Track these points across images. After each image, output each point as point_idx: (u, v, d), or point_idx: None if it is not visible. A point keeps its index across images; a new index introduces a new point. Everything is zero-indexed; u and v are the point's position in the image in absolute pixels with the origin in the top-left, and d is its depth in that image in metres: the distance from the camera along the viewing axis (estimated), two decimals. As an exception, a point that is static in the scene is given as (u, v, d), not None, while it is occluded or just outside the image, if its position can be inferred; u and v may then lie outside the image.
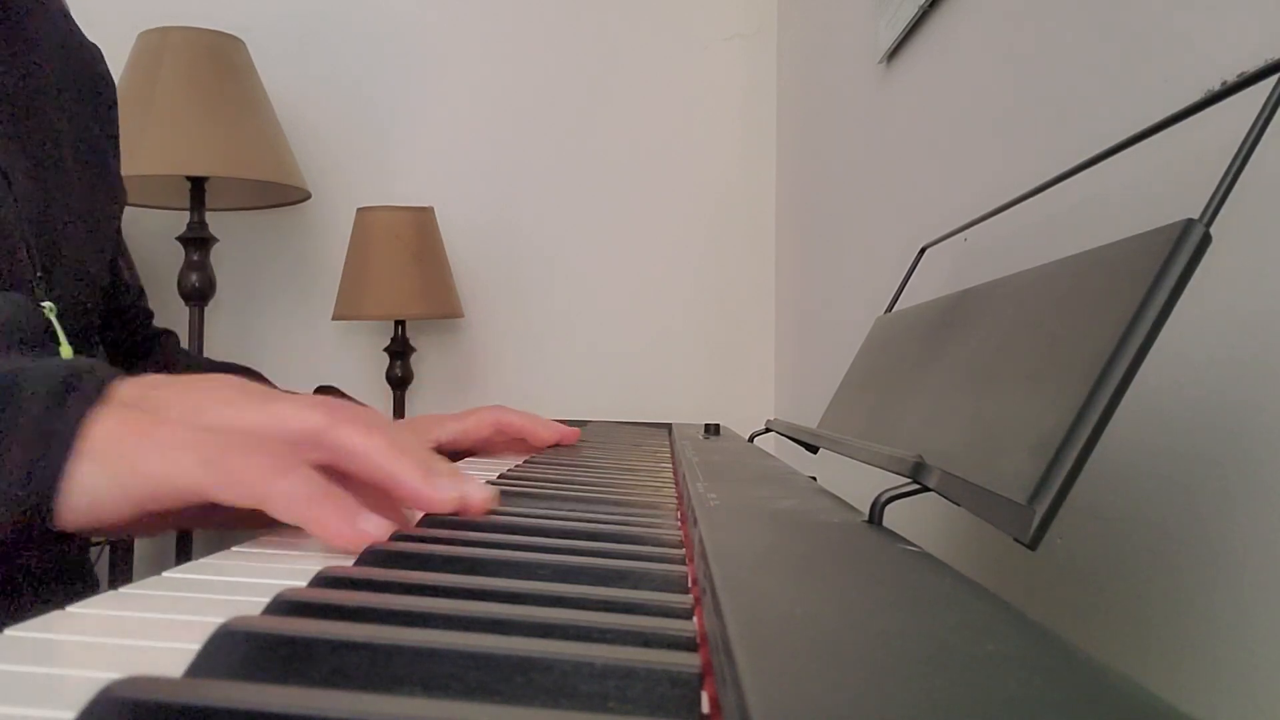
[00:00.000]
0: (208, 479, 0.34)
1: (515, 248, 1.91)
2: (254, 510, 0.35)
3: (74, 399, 0.35)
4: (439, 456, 0.40)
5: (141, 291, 0.80)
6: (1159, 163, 0.49)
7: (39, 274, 0.58)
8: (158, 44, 1.56)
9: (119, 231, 0.74)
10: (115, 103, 0.74)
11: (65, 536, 0.36)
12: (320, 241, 1.89)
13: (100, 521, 0.35)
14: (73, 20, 0.70)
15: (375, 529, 0.34)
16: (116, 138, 0.74)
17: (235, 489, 0.34)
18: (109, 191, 0.71)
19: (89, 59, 0.71)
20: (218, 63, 1.58)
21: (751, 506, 0.37)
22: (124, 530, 0.38)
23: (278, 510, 0.34)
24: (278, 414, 0.37)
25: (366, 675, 0.19)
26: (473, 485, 0.38)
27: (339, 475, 0.36)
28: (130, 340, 0.77)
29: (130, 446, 0.35)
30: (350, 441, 0.37)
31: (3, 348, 0.40)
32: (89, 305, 0.66)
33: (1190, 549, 0.46)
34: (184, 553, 1.61)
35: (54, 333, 0.44)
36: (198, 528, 0.42)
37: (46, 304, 0.57)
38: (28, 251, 0.57)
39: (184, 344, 0.88)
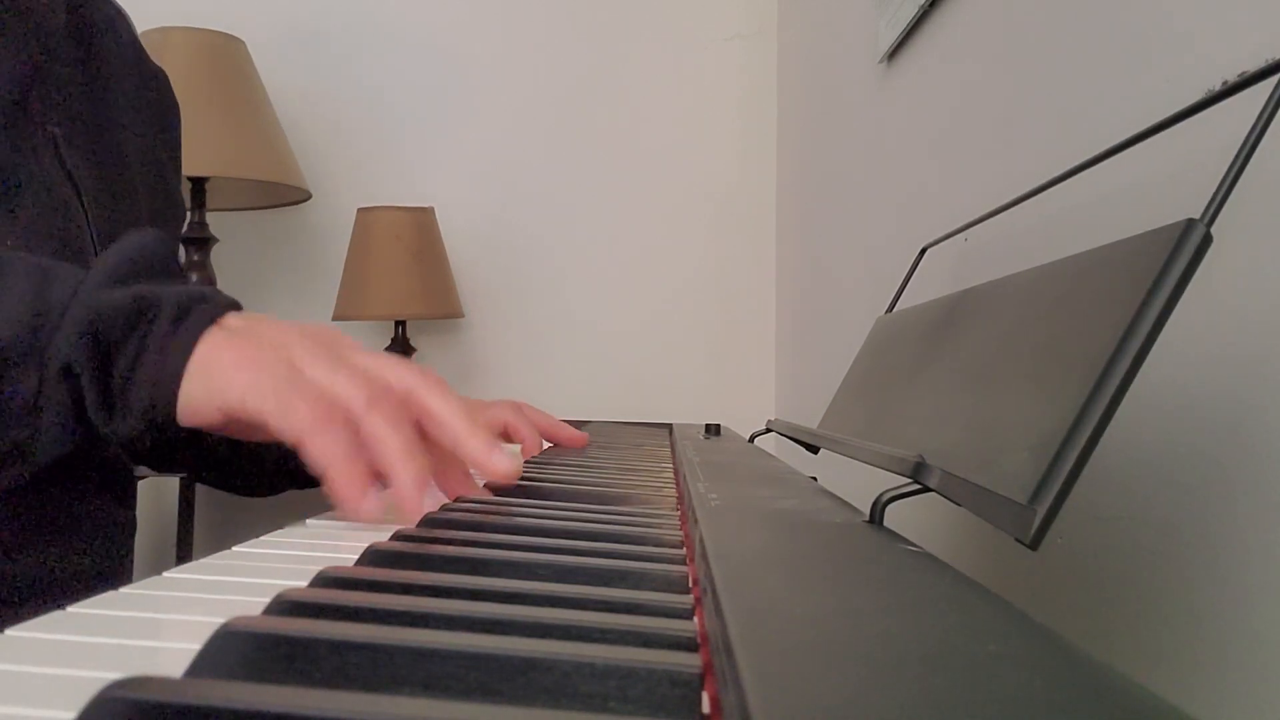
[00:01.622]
0: (271, 408, 0.41)
1: (515, 248, 1.91)
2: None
3: (191, 320, 0.44)
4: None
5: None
6: (1159, 163, 0.49)
7: None
8: (158, 44, 1.56)
9: (179, 245, 0.77)
10: (179, 124, 0.78)
11: (189, 432, 0.45)
12: (321, 241, 1.89)
13: (202, 421, 0.43)
14: (142, 47, 0.73)
15: (372, 508, 0.40)
16: (179, 157, 0.78)
17: (287, 424, 0.41)
18: (172, 211, 0.74)
19: (157, 84, 0.74)
20: (218, 63, 1.58)
21: (752, 507, 0.37)
22: (238, 431, 0.46)
23: (310, 455, 0.41)
24: (338, 380, 0.43)
25: (367, 675, 0.19)
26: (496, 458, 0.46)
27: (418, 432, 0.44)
28: None
29: (223, 366, 0.42)
30: (434, 405, 0.45)
31: (144, 272, 0.47)
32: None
33: (1191, 549, 0.46)
34: (184, 553, 1.61)
35: (179, 265, 0.52)
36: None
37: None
38: None
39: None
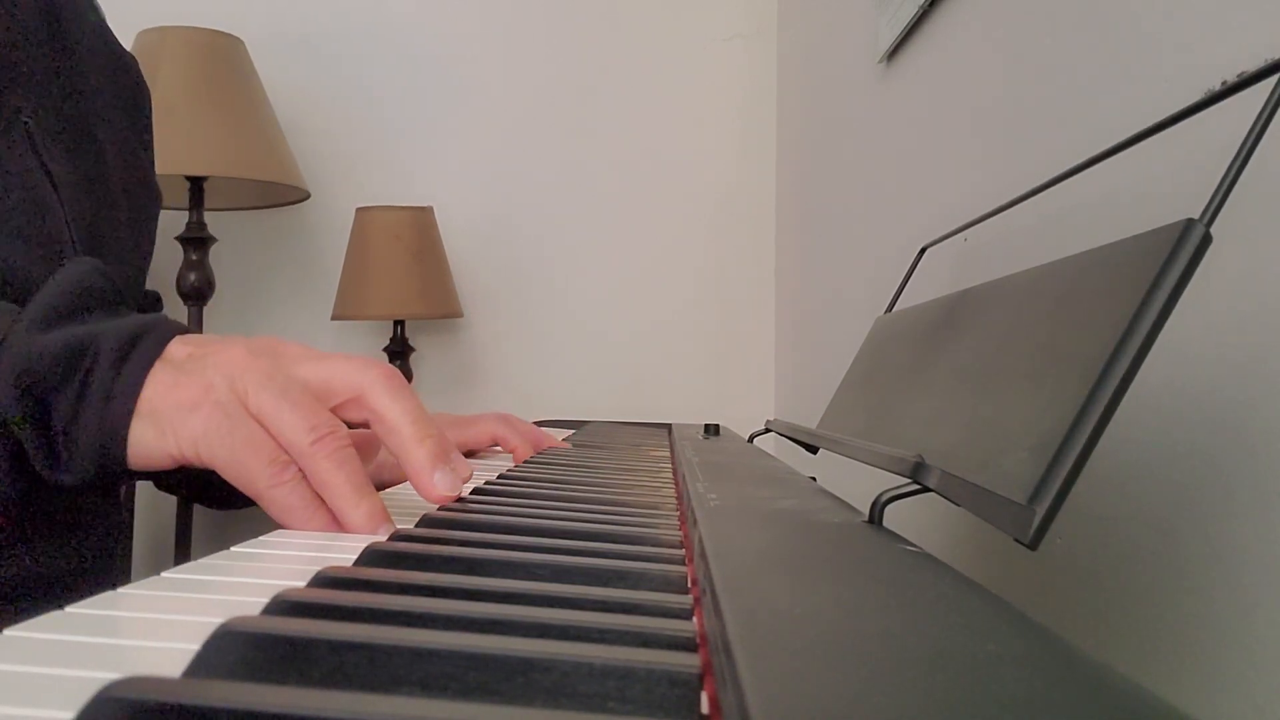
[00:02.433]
0: (221, 462, 0.40)
1: (515, 248, 1.91)
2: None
3: (134, 359, 0.42)
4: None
5: (159, 299, 0.82)
6: (1159, 163, 0.49)
7: None
8: (157, 44, 1.56)
9: (155, 234, 0.76)
10: (151, 111, 0.76)
11: (132, 474, 0.43)
12: (320, 241, 1.89)
13: (155, 466, 0.42)
14: (110, 31, 0.72)
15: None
16: (152, 144, 0.77)
17: (241, 480, 0.40)
18: (149, 198, 0.73)
19: (128, 69, 0.73)
20: (217, 63, 1.58)
21: (751, 507, 0.37)
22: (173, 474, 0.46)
23: (268, 510, 0.40)
24: (328, 368, 0.42)
25: (365, 675, 0.19)
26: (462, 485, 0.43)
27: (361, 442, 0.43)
28: None
29: (172, 409, 0.41)
30: (385, 408, 0.42)
31: (81, 309, 0.45)
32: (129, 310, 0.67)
33: (1191, 549, 0.46)
34: (184, 553, 1.61)
35: (121, 292, 0.50)
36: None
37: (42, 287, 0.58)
38: (75, 255, 0.58)
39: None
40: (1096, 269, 0.36)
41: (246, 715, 0.16)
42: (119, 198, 0.66)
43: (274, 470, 0.40)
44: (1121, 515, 0.51)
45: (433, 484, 0.41)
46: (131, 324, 0.43)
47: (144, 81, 0.76)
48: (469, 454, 0.76)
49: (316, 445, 0.40)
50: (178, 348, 0.43)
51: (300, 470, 0.40)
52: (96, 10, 0.71)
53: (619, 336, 1.90)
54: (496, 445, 0.76)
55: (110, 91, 0.69)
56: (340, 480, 0.40)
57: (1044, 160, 0.65)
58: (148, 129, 0.76)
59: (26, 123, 0.58)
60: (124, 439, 0.41)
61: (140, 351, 0.42)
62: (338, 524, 0.40)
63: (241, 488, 0.40)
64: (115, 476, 0.42)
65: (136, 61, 0.75)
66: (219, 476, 0.41)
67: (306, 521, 0.40)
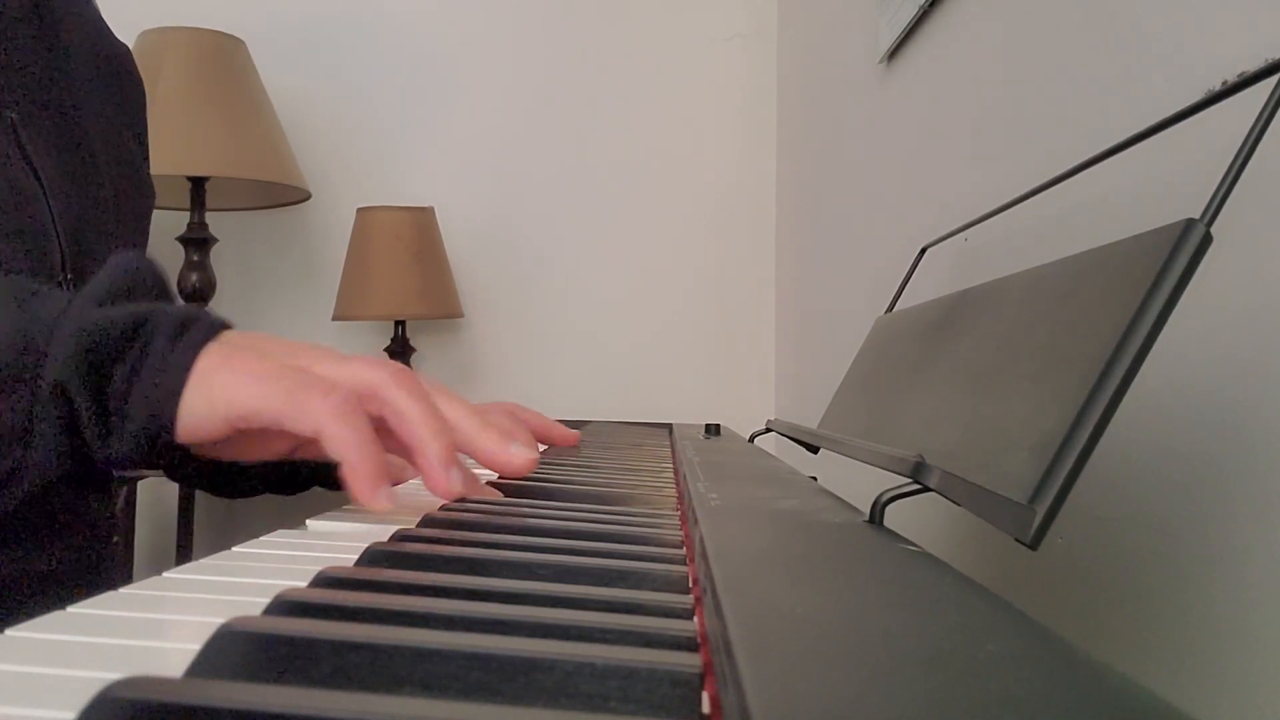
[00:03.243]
0: (285, 406, 0.40)
1: (515, 248, 1.91)
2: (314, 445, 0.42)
3: (189, 336, 0.43)
4: (485, 428, 0.47)
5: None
6: (1159, 163, 0.49)
7: (69, 275, 0.58)
8: (158, 44, 1.56)
9: (148, 231, 0.75)
10: (144, 103, 0.75)
11: (182, 449, 0.44)
12: (320, 242, 1.89)
13: (204, 435, 0.42)
14: (103, 22, 0.71)
15: (387, 501, 0.40)
16: (145, 137, 0.75)
17: (303, 420, 0.40)
18: (140, 192, 0.72)
19: (119, 60, 0.72)
20: (218, 63, 1.58)
21: (752, 506, 0.37)
22: (231, 450, 0.46)
23: (330, 445, 0.40)
24: (351, 367, 0.44)
25: (367, 676, 0.19)
26: (514, 451, 0.46)
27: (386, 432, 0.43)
28: None
29: (227, 375, 0.42)
30: (400, 403, 0.43)
31: (133, 293, 0.46)
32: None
33: (1191, 549, 0.46)
34: (185, 553, 1.61)
35: (167, 284, 0.51)
36: (276, 455, 0.49)
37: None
38: (60, 252, 0.58)
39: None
40: (1097, 269, 0.36)
41: (248, 715, 0.16)
42: (108, 193, 0.65)
43: (337, 401, 0.40)
44: (1122, 515, 0.51)
45: (446, 479, 0.42)
46: (188, 308, 0.44)
47: (137, 73, 0.74)
48: None
49: (397, 380, 0.42)
50: (230, 334, 0.45)
51: (365, 414, 0.41)
52: (92, 5, 0.70)
53: (620, 336, 1.90)
54: None
55: (100, 84, 0.67)
56: (419, 411, 0.42)
57: (1044, 160, 0.65)
58: (141, 123, 0.75)
59: (12, 118, 0.57)
60: (174, 408, 0.41)
61: (195, 331, 0.43)
62: (386, 479, 0.40)
63: (301, 429, 0.40)
64: (162, 450, 0.43)
65: (130, 53, 0.73)
66: (231, 464, 0.42)
67: (362, 461, 0.40)
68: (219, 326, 0.44)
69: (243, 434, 0.43)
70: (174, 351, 0.42)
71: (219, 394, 0.41)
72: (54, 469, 0.42)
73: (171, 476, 0.70)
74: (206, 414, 0.42)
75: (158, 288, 0.48)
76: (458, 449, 0.44)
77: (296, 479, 0.68)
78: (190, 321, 0.43)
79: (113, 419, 0.42)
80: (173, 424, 0.42)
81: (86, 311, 0.42)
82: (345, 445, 0.40)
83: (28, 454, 0.41)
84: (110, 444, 0.42)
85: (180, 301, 0.49)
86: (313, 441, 0.42)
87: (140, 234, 0.72)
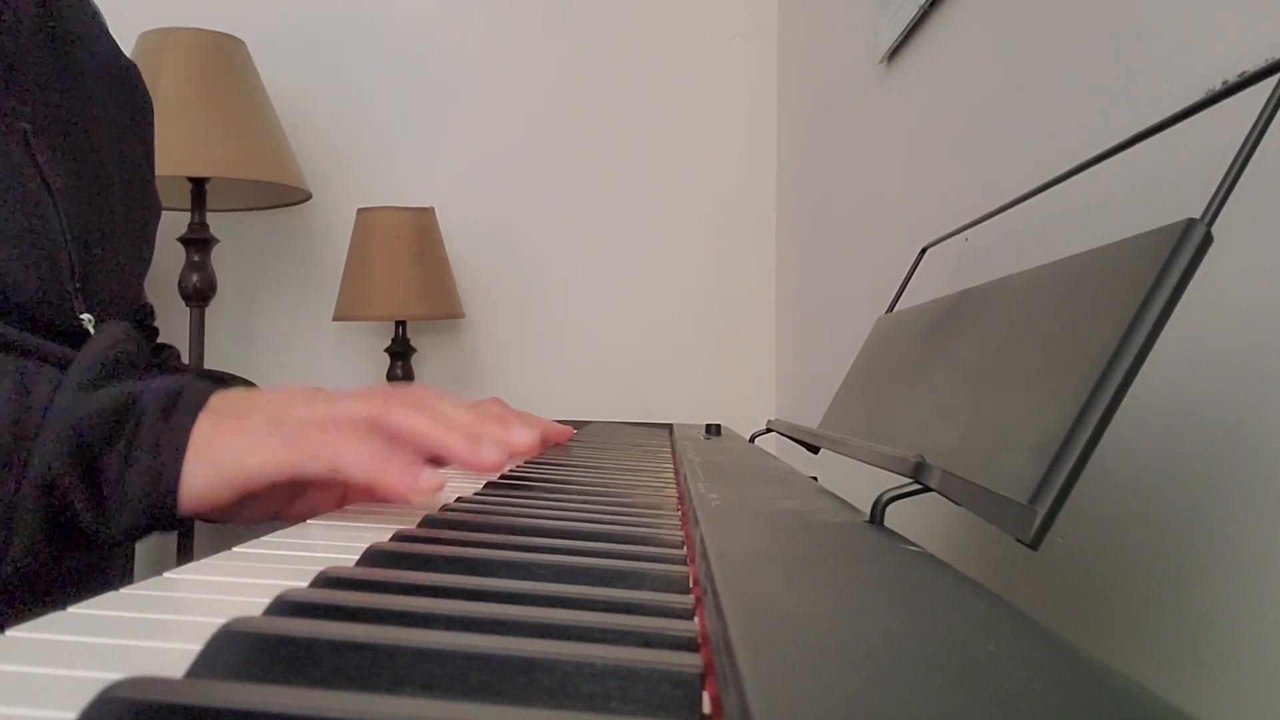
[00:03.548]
0: (292, 456, 0.41)
1: (516, 248, 1.91)
2: (341, 495, 0.45)
3: (179, 412, 0.43)
4: (488, 411, 0.49)
5: (153, 310, 0.82)
6: (1159, 163, 0.49)
7: (78, 286, 0.59)
8: (158, 45, 1.56)
9: (153, 243, 0.76)
10: (152, 118, 0.76)
11: (183, 521, 0.44)
12: (321, 242, 1.89)
13: (210, 505, 0.43)
14: (111, 38, 0.72)
15: (429, 485, 0.41)
16: (152, 151, 0.77)
17: (315, 460, 0.41)
18: (147, 204, 0.73)
19: (129, 77, 0.73)
20: (218, 63, 1.58)
21: (753, 507, 0.37)
22: (229, 515, 0.46)
23: (352, 471, 0.41)
24: (341, 407, 0.45)
25: (367, 676, 0.19)
26: (516, 433, 0.47)
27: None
28: None
29: (227, 442, 0.42)
30: (402, 423, 0.44)
31: (118, 371, 0.46)
32: (124, 319, 0.67)
33: (1192, 549, 0.46)
34: (184, 553, 1.61)
35: (149, 356, 0.52)
36: (281, 516, 0.50)
37: (85, 316, 0.58)
38: (70, 262, 0.58)
39: (184, 345, 0.90)
40: (1097, 269, 0.36)
41: (249, 715, 0.16)
42: (117, 205, 0.66)
43: (339, 433, 0.41)
44: (1122, 515, 0.51)
45: (480, 457, 0.44)
46: (170, 381, 0.45)
47: (144, 88, 0.75)
48: None
49: (390, 405, 0.44)
50: (217, 400, 0.45)
51: (372, 432, 0.42)
52: (98, 17, 0.70)
53: (620, 337, 1.90)
54: None
55: (110, 99, 0.68)
56: (422, 422, 0.43)
57: (1044, 160, 0.65)
58: (149, 138, 0.76)
59: (25, 129, 0.58)
60: (175, 485, 0.42)
61: (184, 403, 0.43)
62: (412, 473, 0.41)
63: (315, 471, 0.41)
64: (162, 526, 0.43)
65: (138, 69, 0.75)
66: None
67: (388, 465, 0.41)
68: (204, 393, 0.45)
69: (245, 498, 0.44)
70: (167, 427, 0.42)
71: (225, 461, 0.42)
72: (38, 556, 0.42)
73: None
74: (213, 483, 0.42)
75: (139, 358, 0.49)
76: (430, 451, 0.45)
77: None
78: (176, 395, 0.44)
79: (109, 503, 0.42)
80: (174, 499, 0.42)
81: (72, 401, 0.42)
82: (365, 461, 0.41)
83: (11, 541, 0.41)
84: (108, 525, 0.43)
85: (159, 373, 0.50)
86: (322, 487, 0.43)
87: (146, 246, 0.73)
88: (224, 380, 0.78)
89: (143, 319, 0.79)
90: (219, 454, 0.42)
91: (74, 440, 0.41)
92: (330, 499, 0.48)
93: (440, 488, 0.42)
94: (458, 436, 0.44)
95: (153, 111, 0.77)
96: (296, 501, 0.49)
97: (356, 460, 0.41)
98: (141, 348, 0.50)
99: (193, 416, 0.43)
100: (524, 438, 0.47)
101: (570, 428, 0.79)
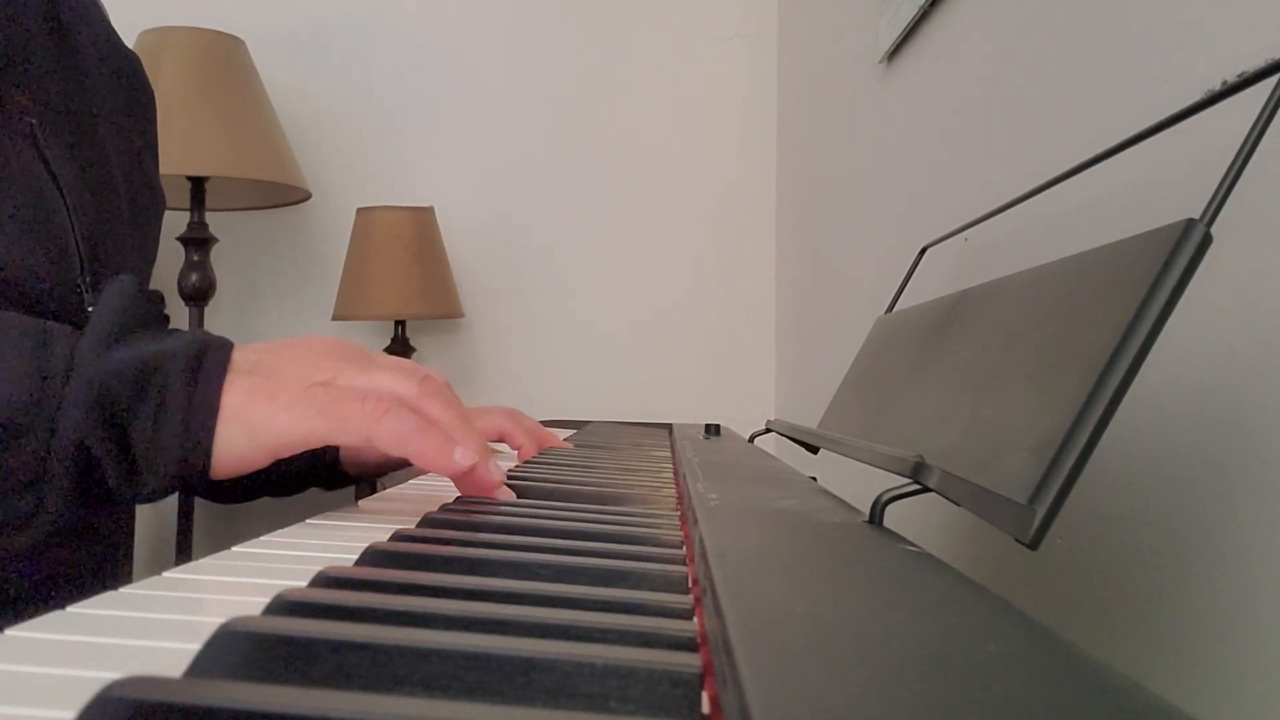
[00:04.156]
0: (326, 426, 0.41)
1: (515, 248, 1.91)
2: (360, 459, 0.46)
3: (206, 371, 0.43)
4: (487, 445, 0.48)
5: (162, 298, 0.82)
6: (1159, 163, 0.49)
7: (88, 279, 0.59)
8: (158, 44, 1.56)
9: (159, 237, 0.76)
10: (155, 112, 0.77)
11: (216, 483, 0.45)
12: (320, 241, 1.89)
13: (243, 469, 0.43)
14: (114, 31, 0.71)
15: (467, 458, 0.42)
16: (156, 144, 0.77)
17: (348, 431, 0.41)
18: (152, 198, 0.73)
19: (131, 69, 0.73)
20: (218, 63, 1.58)
21: (752, 507, 0.37)
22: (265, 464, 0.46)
23: (385, 443, 0.41)
24: (375, 379, 0.44)
25: (367, 675, 0.19)
26: (490, 469, 0.46)
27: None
28: None
29: (261, 409, 0.42)
30: (434, 413, 0.44)
31: (133, 328, 0.45)
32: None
33: (1192, 548, 0.46)
34: (185, 553, 1.61)
35: (161, 309, 0.51)
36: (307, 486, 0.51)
37: (92, 309, 0.58)
38: (79, 257, 0.59)
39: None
40: (1097, 269, 0.36)
41: (248, 715, 0.16)
42: (122, 198, 0.66)
43: (376, 404, 0.41)
44: (1122, 515, 0.51)
45: (489, 474, 0.44)
46: (191, 340, 0.44)
47: (148, 82, 0.76)
48: None
49: (423, 388, 0.44)
50: (241, 356, 0.45)
51: (406, 407, 0.42)
52: (100, 10, 0.70)
53: (620, 336, 1.90)
54: (501, 440, 0.77)
55: (114, 92, 0.69)
56: (449, 418, 0.44)
57: (1044, 160, 0.65)
58: (151, 130, 0.76)
59: (31, 123, 0.58)
60: (208, 448, 0.42)
61: (209, 364, 0.43)
62: (446, 448, 0.42)
63: (349, 441, 0.41)
64: (192, 488, 0.43)
65: (140, 62, 0.75)
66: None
67: (425, 438, 0.41)
68: (228, 349, 0.45)
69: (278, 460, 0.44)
70: (195, 390, 0.42)
71: (260, 427, 0.42)
72: (71, 513, 0.42)
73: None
74: (248, 448, 0.42)
75: (151, 312, 0.48)
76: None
77: (293, 481, 0.68)
78: (201, 353, 0.43)
79: (141, 464, 0.42)
80: (208, 463, 0.42)
81: (95, 361, 0.42)
82: (400, 436, 0.41)
83: (44, 500, 0.41)
84: (139, 485, 0.43)
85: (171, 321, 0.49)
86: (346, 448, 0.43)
87: (152, 239, 0.73)
88: None
89: (153, 309, 0.80)
90: (253, 421, 0.42)
91: (101, 399, 0.41)
92: (364, 463, 0.49)
93: (475, 461, 0.42)
94: (472, 445, 0.44)
95: (155, 104, 0.77)
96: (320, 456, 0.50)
97: (390, 432, 0.41)
98: (153, 303, 0.50)
99: (221, 377, 0.43)
100: (491, 476, 0.47)
101: (570, 445, 0.80)
